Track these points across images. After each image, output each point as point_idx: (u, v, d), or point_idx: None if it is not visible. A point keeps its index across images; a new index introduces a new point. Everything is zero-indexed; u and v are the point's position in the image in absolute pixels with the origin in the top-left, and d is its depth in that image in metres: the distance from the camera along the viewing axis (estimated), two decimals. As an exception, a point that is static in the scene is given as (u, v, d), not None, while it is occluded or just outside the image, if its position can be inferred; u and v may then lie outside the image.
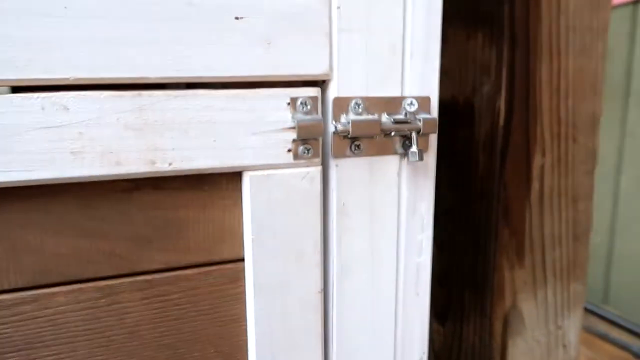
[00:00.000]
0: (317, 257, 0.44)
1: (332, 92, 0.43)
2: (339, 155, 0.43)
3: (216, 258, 0.43)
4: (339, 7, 0.41)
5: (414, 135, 0.44)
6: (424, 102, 0.45)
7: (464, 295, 0.73)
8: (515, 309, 0.68)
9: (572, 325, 0.72)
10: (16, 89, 0.36)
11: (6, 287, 0.38)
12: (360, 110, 0.43)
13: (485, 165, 0.66)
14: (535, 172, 0.65)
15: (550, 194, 0.66)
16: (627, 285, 1.68)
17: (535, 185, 0.65)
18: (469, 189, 0.70)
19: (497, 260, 0.67)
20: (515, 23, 0.61)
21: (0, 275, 0.38)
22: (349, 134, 0.42)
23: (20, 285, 0.38)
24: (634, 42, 1.57)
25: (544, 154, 0.64)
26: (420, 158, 0.44)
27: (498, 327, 0.69)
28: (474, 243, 0.70)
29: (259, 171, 0.41)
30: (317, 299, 0.45)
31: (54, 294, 0.39)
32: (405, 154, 0.46)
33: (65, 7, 0.35)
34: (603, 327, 1.63)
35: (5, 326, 0.38)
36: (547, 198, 0.66)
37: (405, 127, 0.44)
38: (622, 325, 1.62)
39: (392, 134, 0.44)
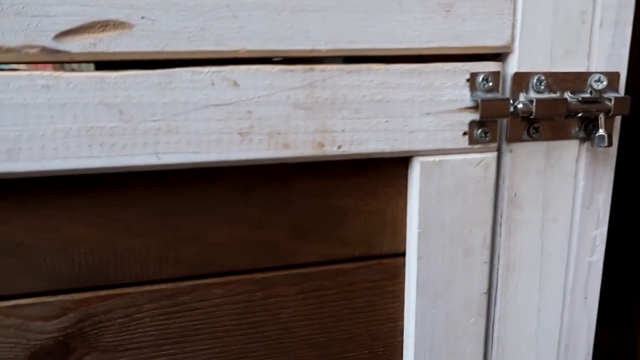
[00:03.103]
0: (486, 254, 0.40)
1: (512, 66, 0.37)
2: (514, 139, 0.38)
3: (376, 252, 0.39)
4: (527, -31, 0.36)
5: (601, 117, 0.38)
6: (612, 78, 0.39)
7: (604, 300, 0.67)
8: (662, 315, 0.61)
9: None
10: (176, 63, 0.33)
11: (166, 276, 0.36)
12: (542, 87, 0.38)
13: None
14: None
15: None
16: None
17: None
18: (627, 185, 0.63)
19: (644, 260, 0.60)
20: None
21: (161, 264, 0.35)
22: (530, 114, 0.37)
23: (179, 275, 0.36)
24: None
25: None
26: (610, 143, 0.38)
27: (642, 333, 0.62)
28: (621, 243, 0.63)
29: (430, 157, 0.37)
30: (482, 300, 0.40)
31: (211, 285, 0.36)
32: (586, 138, 0.40)
33: (238, -29, 0.32)
34: None
35: (163, 317, 0.36)
36: None
37: (593, 107, 0.38)
38: None
39: (579, 114, 0.38)
